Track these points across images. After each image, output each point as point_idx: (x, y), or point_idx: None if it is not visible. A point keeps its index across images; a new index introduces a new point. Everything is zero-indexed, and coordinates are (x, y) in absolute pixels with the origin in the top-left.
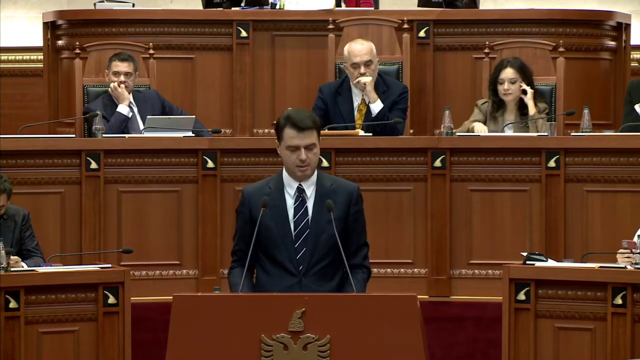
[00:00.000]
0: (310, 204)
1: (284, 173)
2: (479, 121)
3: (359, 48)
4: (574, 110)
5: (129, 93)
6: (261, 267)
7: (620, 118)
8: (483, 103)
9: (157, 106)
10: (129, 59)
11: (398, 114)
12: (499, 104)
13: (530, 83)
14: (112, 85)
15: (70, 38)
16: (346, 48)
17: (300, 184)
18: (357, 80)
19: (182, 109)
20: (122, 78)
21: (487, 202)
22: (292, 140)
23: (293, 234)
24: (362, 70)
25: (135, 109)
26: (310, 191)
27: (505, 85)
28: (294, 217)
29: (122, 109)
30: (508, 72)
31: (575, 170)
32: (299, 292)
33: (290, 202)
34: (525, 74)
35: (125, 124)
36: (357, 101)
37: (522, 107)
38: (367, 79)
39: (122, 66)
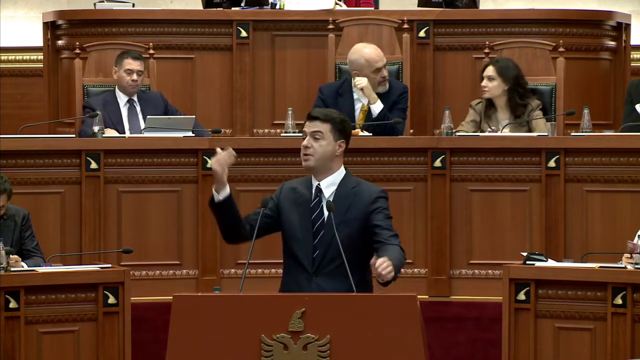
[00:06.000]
0: (326, 204)
1: None
2: (474, 121)
3: (374, 52)
4: (574, 110)
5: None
6: (284, 263)
7: (620, 118)
8: (477, 103)
9: (160, 107)
10: (140, 57)
11: (398, 114)
12: (489, 103)
13: (517, 84)
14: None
15: (70, 38)
16: (358, 56)
17: (318, 184)
18: (358, 84)
19: (185, 114)
20: (134, 76)
21: (487, 202)
22: (304, 128)
23: (312, 232)
24: (385, 73)
25: (139, 108)
26: (329, 191)
27: (483, 82)
28: (312, 216)
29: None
30: (488, 70)
31: (575, 170)
32: (308, 288)
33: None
34: (505, 75)
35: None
36: (360, 103)
37: (512, 106)
38: (364, 82)
39: (135, 64)
